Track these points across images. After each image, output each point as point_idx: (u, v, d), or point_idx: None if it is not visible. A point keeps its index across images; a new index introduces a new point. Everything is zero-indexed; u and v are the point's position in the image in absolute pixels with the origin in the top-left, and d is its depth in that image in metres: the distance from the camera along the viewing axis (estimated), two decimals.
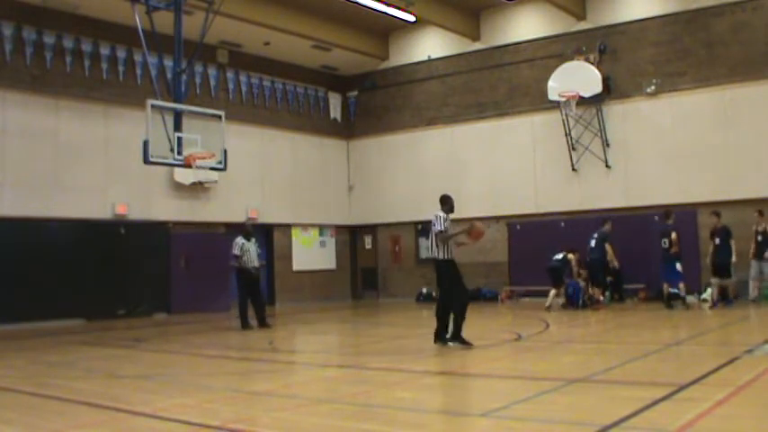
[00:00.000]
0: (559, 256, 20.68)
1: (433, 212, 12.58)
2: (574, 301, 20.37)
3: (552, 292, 20.17)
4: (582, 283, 20.74)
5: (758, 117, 21.19)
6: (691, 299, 19.01)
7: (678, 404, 7.27)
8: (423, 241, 26.50)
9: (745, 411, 7.13)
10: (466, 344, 12.17)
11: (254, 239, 17.95)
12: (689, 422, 6.39)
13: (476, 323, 17.39)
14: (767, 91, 21.09)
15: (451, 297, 12.40)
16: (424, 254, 26.99)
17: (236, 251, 17.51)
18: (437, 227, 12.27)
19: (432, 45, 27.31)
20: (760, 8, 21.45)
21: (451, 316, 12.34)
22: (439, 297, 12.98)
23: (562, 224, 23.79)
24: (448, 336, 12.38)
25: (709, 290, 20.09)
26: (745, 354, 10.26)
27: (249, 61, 26.16)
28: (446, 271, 12.34)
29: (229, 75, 25.57)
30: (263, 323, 17.29)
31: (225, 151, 17.46)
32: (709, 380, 8.51)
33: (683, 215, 20.53)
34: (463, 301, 12.43)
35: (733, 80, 21.62)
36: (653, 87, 22.73)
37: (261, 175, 25.93)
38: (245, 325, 17.25)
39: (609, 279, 22.09)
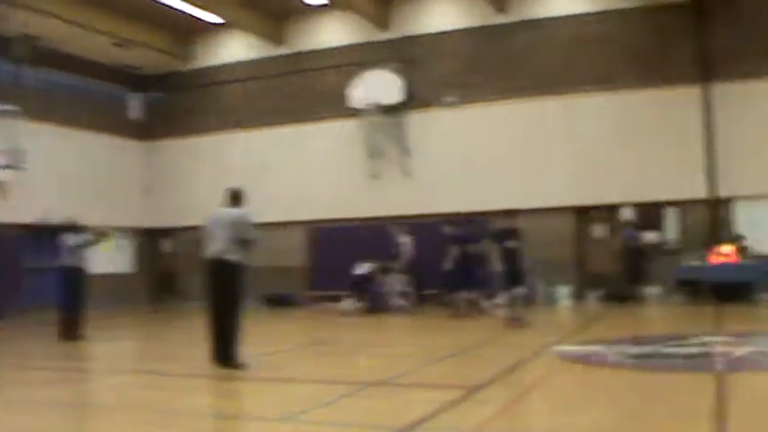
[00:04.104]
0: (363, 270, 20.85)
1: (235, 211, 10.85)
2: (375, 306, 20.60)
3: (348, 299, 20.30)
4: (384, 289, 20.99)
5: (553, 130, 22.50)
6: (486, 304, 19.59)
7: (471, 405, 7.52)
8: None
9: (533, 409, 7.47)
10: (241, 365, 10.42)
11: (78, 234, 15.45)
12: (481, 422, 6.63)
13: (275, 328, 17.41)
14: (563, 105, 22.43)
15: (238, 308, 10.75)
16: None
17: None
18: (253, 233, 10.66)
19: (237, 48, 27.06)
20: (553, 27, 22.65)
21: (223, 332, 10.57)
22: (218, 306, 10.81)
23: (362, 230, 24.07)
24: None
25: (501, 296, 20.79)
26: (534, 356, 10.71)
27: (47, 56, 25.01)
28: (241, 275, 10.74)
29: (26, 70, 24.34)
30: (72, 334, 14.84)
31: (19, 150, 16.67)
32: (501, 381, 8.85)
33: (479, 223, 21.12)
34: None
35: (531, 94, 22.69)
36: (453, 98, 23.41)
37: (57, 175, 24.71)
38: (61, 335, 14.99)
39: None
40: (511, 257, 15.81)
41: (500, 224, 16.90)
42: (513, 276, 15.83)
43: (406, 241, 21.00)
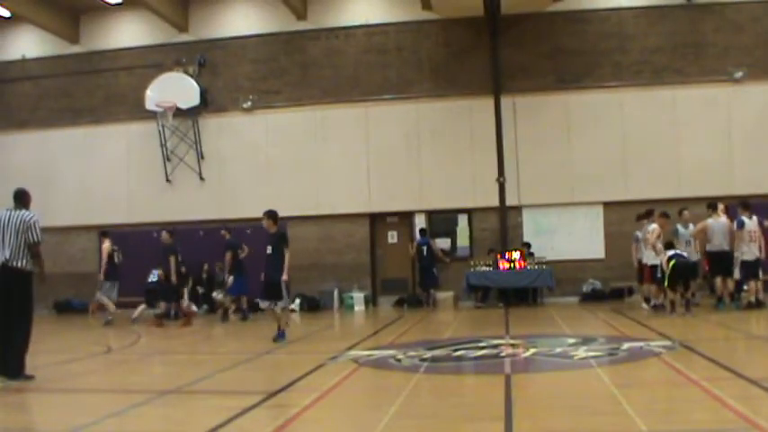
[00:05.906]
0: (155, 277, 20.43)
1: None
2: (166, 313, 20.19)
3: (141, 306, 19.84)
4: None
5: (348, 137, 23.02)
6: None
7: (268, 411, 7.49)
8: None
9: (329, 414, 7.52)
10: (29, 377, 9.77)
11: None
12: (278, 428, 6.60)
13: (65, 336, 16.78)
14: (358, 113, 22.98)
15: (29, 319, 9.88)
16: None
17: None
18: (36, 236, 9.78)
19: (27, 44, 25.67)
20: (351, 36, 23.06)
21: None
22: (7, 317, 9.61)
23: (155, 234, 23.43)
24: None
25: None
26: (330, 360, 10.78)
27: None
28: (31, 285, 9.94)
29: None
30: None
31: None
32: (298, 386, 8.85)
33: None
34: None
35: (324, 101, 23.04)
36: (249, 103, 23.38)
37: None
38: None
39: (201, 290, 22.32)
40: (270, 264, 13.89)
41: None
42: (269, 285, 13.88)
43: (107, 247, 20.17)
